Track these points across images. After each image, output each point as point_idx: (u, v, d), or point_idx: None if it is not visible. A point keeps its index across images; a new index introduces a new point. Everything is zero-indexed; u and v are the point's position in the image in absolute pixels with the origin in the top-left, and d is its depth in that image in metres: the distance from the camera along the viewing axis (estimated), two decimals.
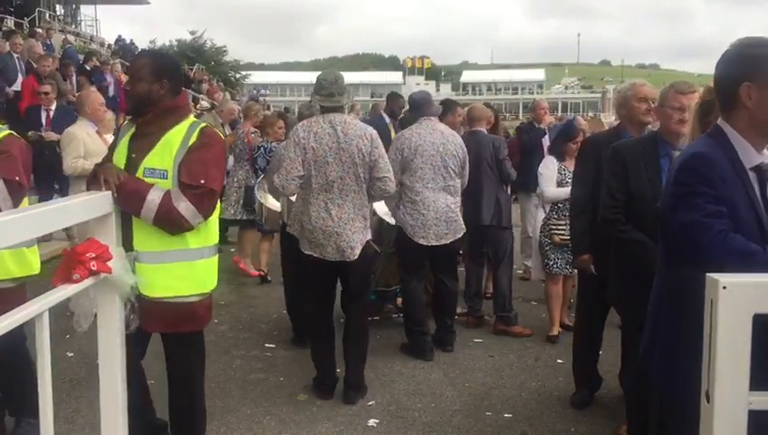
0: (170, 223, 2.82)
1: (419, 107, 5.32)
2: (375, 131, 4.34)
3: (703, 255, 2.01)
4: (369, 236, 4.30)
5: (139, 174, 2.84)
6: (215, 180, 2.93)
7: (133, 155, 2.90)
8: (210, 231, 3.03)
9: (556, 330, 5.52)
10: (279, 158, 4.76)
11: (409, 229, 5.04)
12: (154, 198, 2.77)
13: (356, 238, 4.17)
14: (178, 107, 2.99)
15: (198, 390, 3.24)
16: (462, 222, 5.22)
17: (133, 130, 2.98)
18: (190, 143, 2.87)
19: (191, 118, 3.04)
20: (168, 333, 3.02)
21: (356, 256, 4.17)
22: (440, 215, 5.02)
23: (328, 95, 4.21)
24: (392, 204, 5.17)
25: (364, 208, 4.25)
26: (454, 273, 5.44)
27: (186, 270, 2.93)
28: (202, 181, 2.84)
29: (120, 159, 2.94)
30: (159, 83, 2.90)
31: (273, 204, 6.32)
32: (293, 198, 4.51)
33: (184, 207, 2.80)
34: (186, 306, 2.96)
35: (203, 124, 3.01)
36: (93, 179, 2.76)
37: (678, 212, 2.11)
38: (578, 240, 4.20)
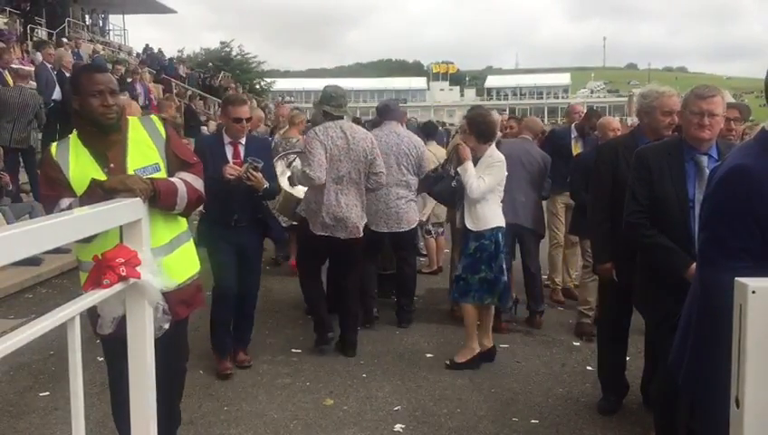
0: (197, 203, 3.06)
1: (384, 113, 6.18)
2: (374, 136, 5.36)
3: (712, 291, 2.04)
4: (365, 220, 5.23)
5: None
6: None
7: (111, 165, 2.85)
8: None
9: None
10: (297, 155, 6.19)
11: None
12: (182, 187, 2.90)
13: (359, 221, 5.14)
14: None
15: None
16: (414, 215, 5.93)
17: (83, 146, 2.88)
18: (163, 134, 3.03)
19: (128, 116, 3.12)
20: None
21: (361, 234, 5.16)
22: (391, 206, 5.73)
23: (337, 106, 5.15)
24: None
25: (363, 197, 5.19)
26: (413, 258, 6.34)
27: (190, 249, 3.15)
28: (195, 159, 3.15)
29: (88, 174, 2.77)
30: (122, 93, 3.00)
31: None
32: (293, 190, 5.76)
33: (200, 184, 3.04)
34: (195, 285, 3.16)
35: (153, 117, 3.24)
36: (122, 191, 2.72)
37: (705, 232, 2.07)
38: (600, 247, 4.17)
